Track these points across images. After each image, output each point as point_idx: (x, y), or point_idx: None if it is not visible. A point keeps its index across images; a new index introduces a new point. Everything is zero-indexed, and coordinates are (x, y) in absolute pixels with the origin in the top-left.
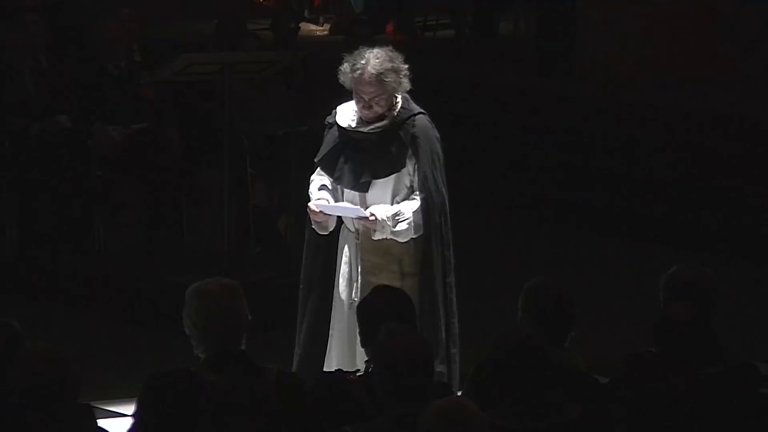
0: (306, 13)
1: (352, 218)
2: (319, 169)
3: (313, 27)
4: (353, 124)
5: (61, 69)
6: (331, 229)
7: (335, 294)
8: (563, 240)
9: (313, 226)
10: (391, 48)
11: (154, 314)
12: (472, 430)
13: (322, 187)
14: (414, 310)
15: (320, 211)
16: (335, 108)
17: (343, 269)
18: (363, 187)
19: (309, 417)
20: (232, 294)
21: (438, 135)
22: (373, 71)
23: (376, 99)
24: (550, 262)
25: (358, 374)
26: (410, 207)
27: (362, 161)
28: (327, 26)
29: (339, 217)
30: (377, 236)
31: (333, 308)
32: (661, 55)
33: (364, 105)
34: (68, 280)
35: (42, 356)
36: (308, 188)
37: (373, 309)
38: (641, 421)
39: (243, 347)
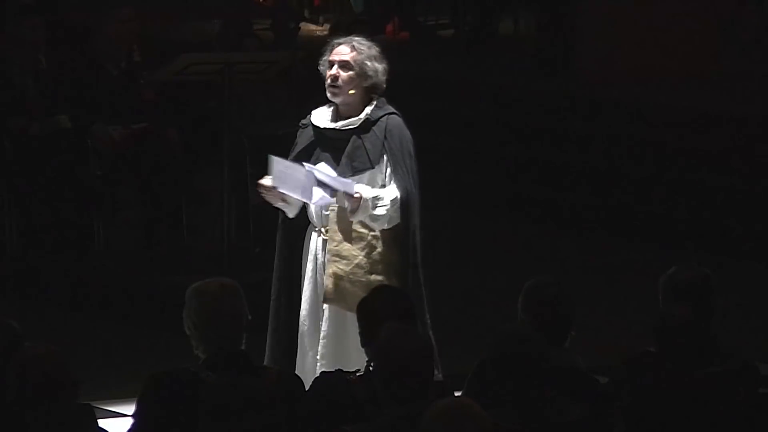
0: (306, 13)
1: (328, 197)
2: None
3: (313, 27)
4: (325, 121)
5: (61, 69)
6: (295, 212)
7: (305, 296)
8: (563, 240)
9: (277, 205)
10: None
11: (154, 314)
12: (475, 430)
13: None
14: (414, 310)
15: (273, 188)
16: (310, 112)
17: (308, 267)
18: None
19: (309, 417)
20: (232, 294)
21: (411, 137)
22: (353, 41)
23: (346, 68)
24: (550, 262)
25: (358, 374)
26: (389, 195)
27: (335, 159)
28: (327, 26)
29: (305, 215)
30: (356, 217)
31: (306, 311)
32: (661, 55)
33: (331, 72)
34: (68, 280)
35: (41, 356)
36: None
37: (373, 309)
38: (641, 422)
39: (243, 347)
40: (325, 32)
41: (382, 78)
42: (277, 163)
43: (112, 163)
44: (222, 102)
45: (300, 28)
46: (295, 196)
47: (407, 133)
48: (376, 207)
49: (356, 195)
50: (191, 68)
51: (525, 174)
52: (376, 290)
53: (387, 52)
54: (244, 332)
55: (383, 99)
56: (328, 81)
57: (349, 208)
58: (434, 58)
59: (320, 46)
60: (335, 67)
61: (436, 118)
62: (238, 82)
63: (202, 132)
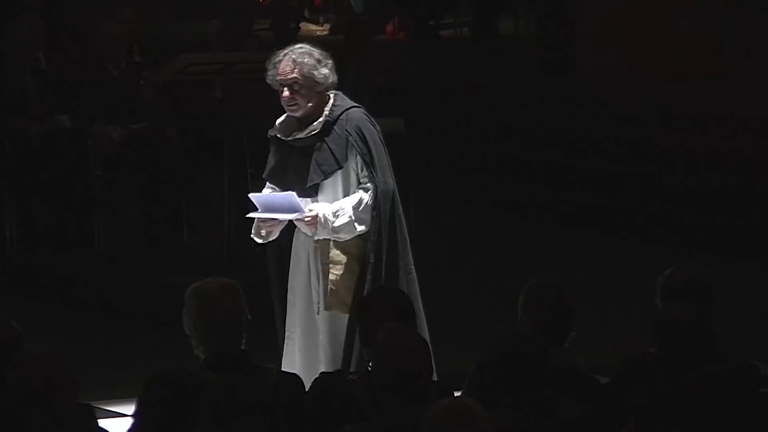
0: (306, 13)
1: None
2: (267, 183)
3: (313, 27)
4: (287, 132)
5: (61, 69)
6: (275, 237)
7: (296, 301)
8: (563, 240)
9: (252, 235)
10: (315, 46)
11: (154, 314)
12: (475, 430)
13: None
14: (413, 310)
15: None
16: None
17: (302, 276)
18: (312, 192)
19: (309, 417)
20: (232, 294)
21: (374, 127)
22: (291, 55)
23: (296, 86)
24: (550, 262)
25: (357, 374)
26: (349, 202)
27: (306, 166)
28: (327, 26)
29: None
30: (319, 236)
31: (293, 315)
32: (661, 55)
33: (285, 94)
34: (68, 280)
35: (41, 357)
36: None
37: (373, 309)
38: (641, 421)
39: (243, 347)
40: (325, 32)
41: (333, 76)
42: (256, 198)
43: (112, 163)
44: (222, 102)
45: (300, 28)
46: (288, 216)
47: (368, 123)
48: (337, 218)
49: (310, 215)
50: (191, 68)
51: (525, 174)
52: (375, 291)
53: (387, 52)
54: (244, 332)
55: (340, 93)
56: (284, 101)
57: (309, 231)
58: (434, 59)
59: (320, 46)
60: (286, 89)
61: (435, 118)
62: (238, 82)
63: (202, 132)
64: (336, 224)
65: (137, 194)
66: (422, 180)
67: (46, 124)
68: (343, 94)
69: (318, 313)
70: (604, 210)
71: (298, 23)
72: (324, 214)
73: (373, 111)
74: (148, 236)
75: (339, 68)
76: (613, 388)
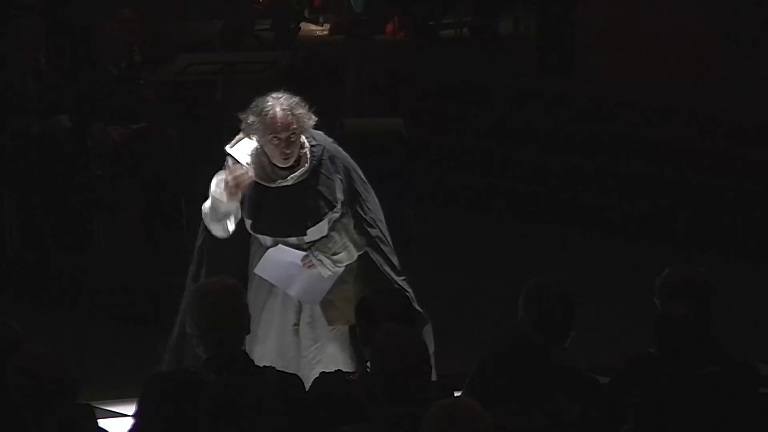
0: (306, 13)
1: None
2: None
3: (313, 27)
4: (272, 178)
5: (61, 69)
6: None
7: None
8: (564, 240)
9: (214, 192)
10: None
11: (154, 314)
12: (475, 430)
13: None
14: (413, 310)
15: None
16: (227, 153)
17: (278, 292)
18: (301, 231)
19: (309, 417)
20: (234, 294)
21: (350, 159)
22: (285, 106)
23: (293, 137)
24: (550, 262)
25: (357, 374)
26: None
27: (295, 210)
28: (327, 26)
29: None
30: (326, 273)
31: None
32: (661, 55)
33: (282, 148)
34: (68, 280)
35: (41, 357)
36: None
37: (373, 309)
38: (641, 421)
39: (244, 347)
40: (325, 32)
41: (309, 118)
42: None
43: (112, 163)
44: (222, 102)
45: (300, 28)
46: (283, 287)
47: (347, 156)
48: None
49: (307, 261)
50: (191, 68)
51: (525, 174)
52: (375, 291)
53: (387, 52)
54: (245, 333)
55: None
56: (281, 154)
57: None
58: (434, 59)
59: (320, 46)
60: (286, 141)
61: (435, 117)
62: (238, 82)
63: (202, 132)
64: (336, 257)
65: (137, 194)
66: (422, 180)
67: (46, 124)
68: (343, 94)
69: (297, 334)
70: (604, 210)
71: (298, 23)
72: (320, 258)
73: (373, 111)
74: (148, 236)
75: (339, 68)
76: (613, 388)
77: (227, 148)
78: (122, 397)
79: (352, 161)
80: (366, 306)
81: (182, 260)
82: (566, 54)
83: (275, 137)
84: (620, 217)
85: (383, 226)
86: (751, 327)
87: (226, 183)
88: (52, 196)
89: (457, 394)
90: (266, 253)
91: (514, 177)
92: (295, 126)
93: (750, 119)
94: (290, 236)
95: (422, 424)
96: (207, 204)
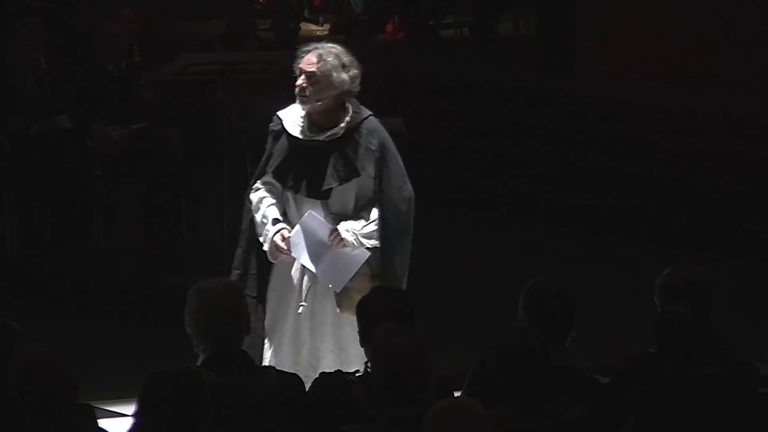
0: (306, 13)
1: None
2: (259, 181)
3: (313, 27)
4: (305, 133)
5: (61, 69)
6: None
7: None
8: (564, 240)
9: (268, 254)
10: (348, 49)
11: (154, 314)
12: (476, 430)
13: (271, 205)
14: (413, 310)
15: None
16: (275, 115)
17: (294, 275)
18: (324, 195)
19: (308, 417)
20: (233, 294)
21: (388, 135)
22: (320, 50)
23: (312, 79)
24: (550, 262)
25: (357, 375)
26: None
27: (320, 169)
28: (327, 26)
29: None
30: (353, 248)
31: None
32: (661, 55)
33: (299, 82)
34: (68, 280)
35: (41, 357)
36: (250, 204)
37: (372, 308)
38: (641, 421)
39: (244, 347)
40: (325, 32)
41: (353, 84)
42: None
43: (112, 163)
44: (222, 102)
45: (300, 28)
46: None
47: (385, 133)
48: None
49: (337, 238)
50: (191, 68)
51: (525, 173)
52: (375, 291)
53: (386, 52)
54: (244, 332)
55: (356, 101)
56: (297, 90)
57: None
58: (434, 59)
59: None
60: (302, 76)
61: (434, 117)
62: (238, 82)
63: (202, 132)
64: (363, 231)
65: (137, 194)
66: (421, 179)
67: (46, 124)
68: None
69: (299, 311)
70: (604, 209)
71: (298, 23)
72: (349, 239)
73: (373, 111)
74: (148, 236)
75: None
76: (613, 388)
77: (278, 113)
78: (122, 397)
79: (392, 144)
80: (366, 306)
81: (182, 260)
82: (566, 54)
83: (299, 69)
84: (620, 217)
85: (408, 189)
86: (751, 327)
87: (271, 249)
88: (52, 196)
89: (457, 394)
90: (299, 223)
91: (514, 177)
92: (315, 70)
93: (750, 119)
94: (312, 196)
95: (422, 424)
96: (254, 203)
